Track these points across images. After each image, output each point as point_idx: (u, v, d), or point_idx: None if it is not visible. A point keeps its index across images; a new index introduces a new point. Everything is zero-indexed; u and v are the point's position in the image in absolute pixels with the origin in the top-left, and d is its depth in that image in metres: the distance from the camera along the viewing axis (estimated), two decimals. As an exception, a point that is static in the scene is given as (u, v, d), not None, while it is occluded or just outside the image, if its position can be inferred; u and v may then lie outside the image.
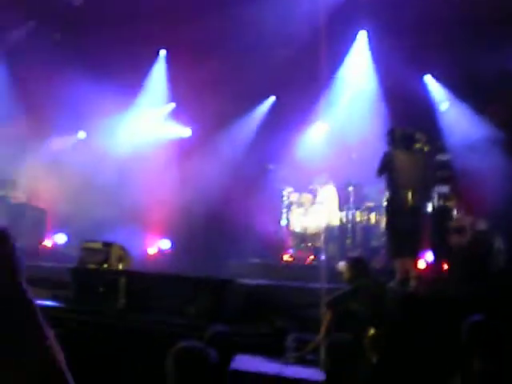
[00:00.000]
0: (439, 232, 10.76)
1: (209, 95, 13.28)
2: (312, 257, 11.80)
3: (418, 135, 9.14)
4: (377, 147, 10.16)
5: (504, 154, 11.19)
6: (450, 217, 10.83)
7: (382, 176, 9.03)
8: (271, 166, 13.36)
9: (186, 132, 15.10)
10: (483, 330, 4.46)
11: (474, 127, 12.06)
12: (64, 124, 13.97)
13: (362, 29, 13.39)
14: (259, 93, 14.21)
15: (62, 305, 8.86)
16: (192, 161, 13.97)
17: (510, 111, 11.14)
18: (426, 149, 9.16)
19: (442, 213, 10.96)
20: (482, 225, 10.78)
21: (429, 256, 10.52)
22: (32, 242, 12.57)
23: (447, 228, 10.47)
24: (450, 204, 11.14)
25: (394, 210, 8.95)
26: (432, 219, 10.87)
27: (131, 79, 13.89)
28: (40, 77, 13.05)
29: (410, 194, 8.83)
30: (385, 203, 9.47)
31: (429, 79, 13.20)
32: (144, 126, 14.77)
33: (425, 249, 10.11)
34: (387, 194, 9.13)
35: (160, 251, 13.65)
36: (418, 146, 9.04)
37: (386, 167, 8.89)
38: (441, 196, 11.52)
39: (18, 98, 13.65)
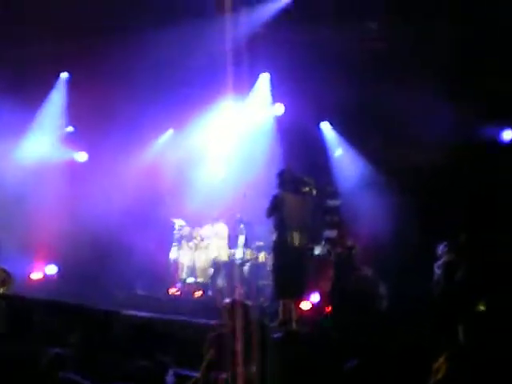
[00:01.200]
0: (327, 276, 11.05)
1: (109, 122, 13.19)
2: (199, 292, 11.82)
3: (306, 179, 9.38)
4: (269, 187, 10.40)
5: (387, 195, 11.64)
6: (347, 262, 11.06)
7: (271, 217, 9.18)
8: (166, 198, 13.36)
9: (82, 156, 14.87)
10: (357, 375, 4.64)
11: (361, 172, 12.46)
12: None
13: (265, 71, 13.63)
14: (158, 125, 14.21)
15: None
16: (86, 186, 13.79)
17: None
18: (313, 192, 9.40)
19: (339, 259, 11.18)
20: (367, 271, 11.15)
21: (314, 297, 10.73)
22: None
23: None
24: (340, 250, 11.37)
25: (280, 250, 9.11)
26: (322, 263, 11.14)
27: (30, 100, 13.60)
28: None
29: (296, 236, 9.02)
30: (272, 243, 9.63)
31: (325, 125, 13.54)
32: (39, 149, 14.40)
33: (311, 290, 10.31)
34: (275, 235, 9.28)
35: (45, 277, 13.30)
36: (306, 189, 9.27)
37: (275, 208, 9.06)
38: (328, 240, 11.82)
39: None
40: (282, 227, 9.07)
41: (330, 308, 10.62)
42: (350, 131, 12.88)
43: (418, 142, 11.51)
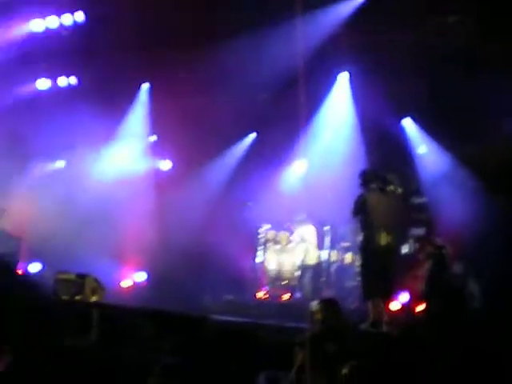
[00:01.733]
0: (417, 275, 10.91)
1: (191, 130, 13.37)
2: (287, 295, 11.82)
3: (389, 177, 9.23)
4: (353, 187, 10.31)
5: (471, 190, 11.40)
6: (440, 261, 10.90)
7: (357, 217, 9.10)
8: (250, 203, 13.43)
9: (166, 165, 15.13)
10: None
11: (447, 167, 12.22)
12: (45, 150, 13.88)
13: (344, 70, 13.56)
14: (240, 130, 14.33)
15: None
16: (171, 194, 14.01)
17: None
18: (398, 190, 9.26)
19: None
20: (457, 268, 10.93)
21: (403, 297, 10.60)
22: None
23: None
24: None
25: (368, 250, 9.01)
26: (410, 262, 11.00)
27: (115, 110, 13.91)
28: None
29: (383, 235, 8.90)
30: (359, 243, 9.54)
31: (407, 122, 13.36)
32: (125, 158, 14.73)
33: (399, 290, 10.19)
34: (361, 235, 9.19)
35: (135, 284, 13.56)
36: (390, 187, 9.13)
37: (360, 209, 8.98)
38: (417, 239, 11.64)
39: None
40: (367, 227, 8.97)
41: (421, 308, 10.46)
42: (433, 127, 12.66)
43: (500, 136, 11.22)
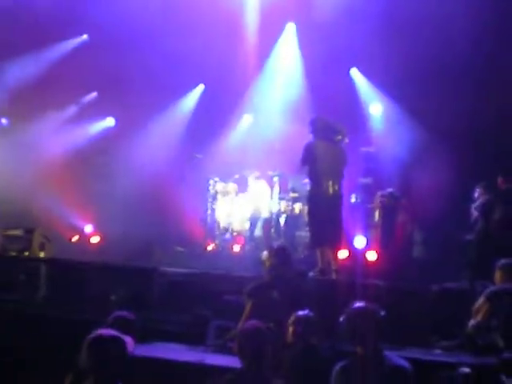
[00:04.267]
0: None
1: (134, 84, 13.15)
2: (237, 246, 11.86)
3: (338, 126, 9.26)
4: (301, 139, 10.30)
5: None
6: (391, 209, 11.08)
7: (305, 165, 9.12)
8: (199, 156, 13.37)
9: (109, 122, 14.92)
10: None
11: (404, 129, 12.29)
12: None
13: (290, 21, 13.46)
14: (187, 82, 14.15)
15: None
16: (119, 150, 13.86)
17: None
18: (346, 140, 9.30)
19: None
20: (403, 217, 11.14)
21: (359, 243, 10.75)
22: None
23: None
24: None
25: (315, 199, 9.06)
26: (359, 211, 11.13)
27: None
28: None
29: (330, 184, 8.95)
30: (306, 192, 9.58)
31: (355, 73, 13.36)
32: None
33: (348, 238, 10.32)
34: (309, 184, 9.23)
35: (84, 238, 13.45)
36: (338, 137, 9.16)
37: (309, 157, 8.99)
38: (364, 188, 11.76)
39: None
40: (315, 175, 9.00)
41: (373, 256, 10.64)
42: (384, 81, 12.64)
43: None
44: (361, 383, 4.52)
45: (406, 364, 4.63)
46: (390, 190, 11.15)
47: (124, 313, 5.69)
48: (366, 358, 4.62)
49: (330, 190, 8.91)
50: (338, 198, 9.07)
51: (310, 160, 9.00)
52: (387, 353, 4.66)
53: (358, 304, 4.80)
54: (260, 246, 11.07)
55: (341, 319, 4.79)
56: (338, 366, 4.69)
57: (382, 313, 4.75)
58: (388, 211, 11.02)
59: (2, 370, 7.13)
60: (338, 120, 9.57)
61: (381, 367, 4.57)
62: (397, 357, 4.73)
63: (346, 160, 9.25)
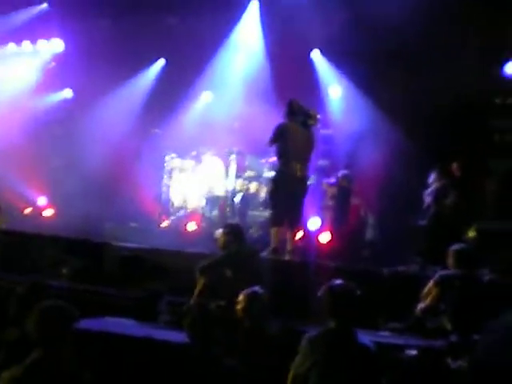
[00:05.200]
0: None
1: (93, 55, 12.96)
2: (191, 224, 11.83)
3: (312, 112, 9.34)
4: (260, 118, 10.29)
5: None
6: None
7: (274, 145, 9.15)
8: (156, 131, 13.27)
9: (66, 93, 14.70)
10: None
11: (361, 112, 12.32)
12: None
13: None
14: (147, 56, 14.00)
15: None
16: (75, 122, 13.69)
17: None
18: (317, 125, 9.40)
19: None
20: (356, 201, 11.27)
21: (314, 224, 10.82)
22: None
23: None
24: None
25: (281, 179, 9.08)
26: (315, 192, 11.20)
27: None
28: None
29: (298, 167, 9.00)
30: (272, 172, 9.58)
31: (316, 55, 13.36)
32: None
33: (303, 219, 10.38)
34: (277, 164, 9.25)
35: (37, 210, 13.30)
36: (311, 122, 9.23)
37: (279, 137, 9.02)
38: (322, 170, 11.83)
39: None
40: (284, 157, 9.03)
41: (326, 238, 10.74)
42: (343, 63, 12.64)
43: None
44: (326, 355, 4.57)
45: (371, 345, 4.72)
46: (344, 172, 11.26)
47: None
48: (337, 333, 4.68)
49: (298, 173, 8.96)
50: (304, 182, 9.14)
51: (280, 140, 9.03)
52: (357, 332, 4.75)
53: (338, 281, 4.88)
54: (214, 224, 11.05)
55: (319, 293, 4.85)
56: (307, 335, 4.75)
57: (359, 292, 4.83)
58: (342, 193, 11.13)
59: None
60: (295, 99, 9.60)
61: (349, 344, 4.65)
62: (365, 337, 4.81)
63: (315, 145, 9.32)
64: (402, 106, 11.43)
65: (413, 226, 10.12)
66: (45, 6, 13.69)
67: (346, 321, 4.71)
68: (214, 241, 8.05)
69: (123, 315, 6.84)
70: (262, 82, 12.81)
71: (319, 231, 10.94)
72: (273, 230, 9.10)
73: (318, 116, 9.52)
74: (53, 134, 13.83)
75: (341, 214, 11.16)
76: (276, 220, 9.14)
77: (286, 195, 8.99)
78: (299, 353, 4.69)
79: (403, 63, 11.57)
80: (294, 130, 9.09)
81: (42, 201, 13.44)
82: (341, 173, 11.31)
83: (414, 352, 5.51)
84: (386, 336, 6.36)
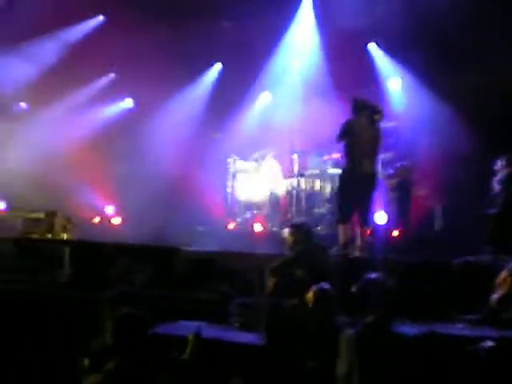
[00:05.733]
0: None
1: (151, 64, 13.12)
2: (258, 224, 11.87)
3: (378, 107, 9.30)
4: (319, 117, 10.25)
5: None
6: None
7: (342, 142, 9.14)
8: (217, 135, 13.36)
9: (127, 103, 14.94)
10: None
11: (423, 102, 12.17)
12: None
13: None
14: (204, 60, 14.12)
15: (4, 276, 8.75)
16: (137, 131, 13.88)
17: None
18: (382, 120, 9.34)
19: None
20: (422, 191, 11.14)
21: (381, 219, 10.76)
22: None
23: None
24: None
25: (350, 176, 9.04)
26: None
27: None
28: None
29: (367, 162, 8.96)
30: (336, 169, 9.52)
31: (373, 48, 13.26)
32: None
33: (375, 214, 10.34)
34: (346, 161, 9.22)
35: (105, 219, 13.53)
36: (376, 116, 9.17)
37: (346, 134, 8.99)
38: (385, 163, 11.71)
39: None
40: (352, 153, 9.00)
41: (394, 232, 10.67)
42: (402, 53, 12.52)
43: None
44: (368, 350, 4.54)
45: (412, 334, 4.69)
46: (403, 163, 11.15)
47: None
48: (375, 327, 4.64)
49: (367, 169, 8.93)
50: (373, 177, 9.09)
51: (347, 137, 9.01)
52: (399, 324, 4.71)
53: (370, 275, 4.85)
54: (281, 224, 11.07)
55: (353, 289, 4.84)
56: (346, 333, 4.73)
57: (392, 283, 4.80)
58: (402, 184, 11.03)
59: (25, 350, 7.22)
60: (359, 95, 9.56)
61: (388, 337, 4.60)
62: (408, 328, 4.77)
63: (382, 140, 9.27)
64: (463, 94, 11.24)
65: (481, 214, 9.93)
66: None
67: (381, 314, 4.67)
68: (281, 241, 8.05)
69: (195, 319, 6.91)
70: (320, 80, 12.81)
71: (387, 225, 10.86)
72: (340, 228, 9.07)
73: (383, 111, 9.47)
74: (116, 143, 14.04)
75: (404, 206, 11.06)
76: (343, 217, 9.09)
77: (355, 192, 8.95)
78: (340, 352, 4.67)
79: (464, 52, 11.38)
80: (361, 127, 9.04)
81: (109, 210, 13.67)
82: (399, 164, 11.20)
83: (490, 343, 5.41)
84: (461, 328, 6.26)
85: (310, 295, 5.78)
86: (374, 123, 9.17)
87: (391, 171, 11.31)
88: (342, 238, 8.94)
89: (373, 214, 10.26)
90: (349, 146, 9.07)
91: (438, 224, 11.09)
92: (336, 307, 5.78)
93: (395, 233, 10.73)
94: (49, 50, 13.33)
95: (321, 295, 5.75)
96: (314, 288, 5.80)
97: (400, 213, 11.08)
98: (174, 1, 12.75)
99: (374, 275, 4.88)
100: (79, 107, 14.11)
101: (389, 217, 10.91)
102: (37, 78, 13.17)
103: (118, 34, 12.78)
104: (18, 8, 12.36)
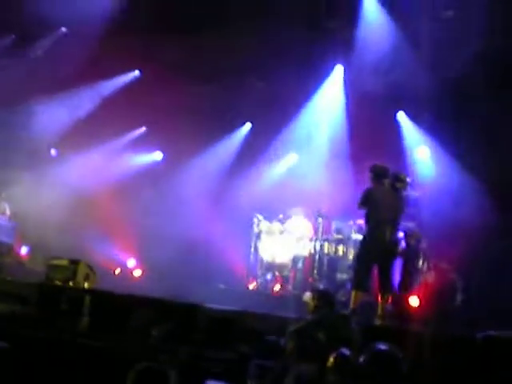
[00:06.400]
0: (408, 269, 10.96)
1: (182, 119, 13.31)
2: (278, 286, 11.83)
3: (400, 175, 9.35)
4: (345, 182, 10.29)
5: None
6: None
7: (362, 209, 9.16)
8: (243, 193, 13.44)
9: (156, 156, 15.11)
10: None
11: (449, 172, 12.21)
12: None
13: (339, 63, 13.55)
14: (235, 118, 14.31)
15: (22, 320, 8.76)
16: (164, 184, 14.00)
17: None
18: (407, 188, 9.36)
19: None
20: (444, 264, 11.05)
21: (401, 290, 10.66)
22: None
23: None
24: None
25: (370, 243, 9.04)
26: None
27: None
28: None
29: (387, 230, 8.96)
30: (360, 235, 9.52)
31: (402, 117, 13.35)
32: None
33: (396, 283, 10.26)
34: (366, 228, 9.23)
35: (127, 270, 13.55)
36: (399, 185, 9.21)
37: (366, 201, 9.02)
38: (408, 232, 11.66)
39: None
40: (373, 221, 9.02)
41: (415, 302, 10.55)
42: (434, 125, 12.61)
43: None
44: None
45: None
46: (413, 228, 11.07)
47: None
48: None
49: (387, 237, 8.92)
50: (394, 245, 9.08)
51: (367, 204, 9.04)
52: None
53: (378, 345, 4.80)
54: (302, 287, 11.03)
55: (361, 359, 4.79)
56: None
57: (401, 355, 4.74)
58: (409, 252, 10.94)
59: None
60: (384, 163, 9.61)
61: None
62: None
63: (404, 208, 9.28)
64: (491, 168, 11.26)
65: (505, 288, 9.85)
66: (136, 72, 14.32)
67: None
68: (303, 304, 8.02)
69: (213, 377, 6.84)
70: (347, 144, 12.91)
71: (407, 294, 10.75)
72: (353, 293, 9.06)
73: (408, 178, 9.51)
74: (143, 194, 14.17)
75: (407, 275, 10.91)
76: (358, 284, 9.07)
77: (375, 260, 8.94)
78: None
79: (492, 126, 11.45)
80: (381, 194, 9.08)
81: (131, 263, 13.70)
82: (409, 228, 11.16)
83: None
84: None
85: (330, 361, 5.72)
86: (395, 191, 9.19)
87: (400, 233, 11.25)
88: (352, 304, 8.93)
89: (394, 283, 10.21)
90: (369, 213, 9.10)
91: (459, 297, 10.96)
92: (356, 374, 5.71)
93: (415, 302, 10.57)
94: (85, 100, 13.60)
95: (341, 361, 5.69)
96: (334, 354, 5.75)
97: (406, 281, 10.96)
98: (209, 60, 12.99)
99: (382, 346, 4.82)
100: (109, 156, 14.31)
101: (411, 286, 10.79)
102: (70, 126, 13.40)
103: (152, 88, 13.04)
104: (58, 59, 12.64)
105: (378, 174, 9.20)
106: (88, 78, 13.39)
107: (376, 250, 8.93)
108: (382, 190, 9.11)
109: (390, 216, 9.06)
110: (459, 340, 7.73)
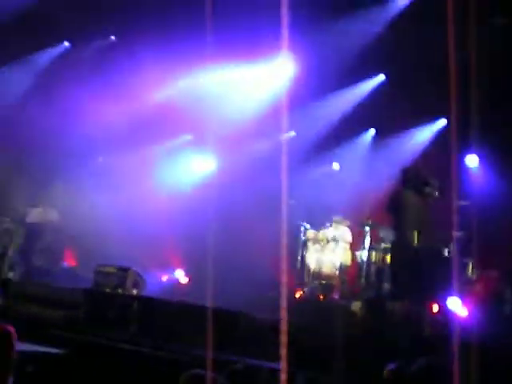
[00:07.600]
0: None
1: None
2: (324, 295, 11.79)
3: (430, 179, 9.20)
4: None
5: None
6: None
7: (390, 214, 9.09)
8: (292, 201, 13.42)
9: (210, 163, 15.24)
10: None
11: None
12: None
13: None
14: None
15: (72, 326, 8.91)
16: (213, 189, 14.08)
17: None
18: (436, 194, 9.22)
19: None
20: (493, 273, 10.90)
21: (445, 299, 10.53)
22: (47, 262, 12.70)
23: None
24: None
25: (398, 251, 8.96)
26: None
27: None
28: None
29: (415, 235, 8.85)
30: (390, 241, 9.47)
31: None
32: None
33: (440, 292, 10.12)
34: (393, 233, 9.14)
35: (174, 280, 13.66)
36: (428, 190, 9.09)
37: (394, 205, 8.94)
38: (458, 240, 11.52)
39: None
40: (400, 226, 8.92)
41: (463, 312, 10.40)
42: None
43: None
44: None
45: None
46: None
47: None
48: None
49: (415, 241, 8.80)
50: (426, 251, 8.96)
51: (393, 208, 8.95)
52: None
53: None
54: (349, 296, 10.98)
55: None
56: None
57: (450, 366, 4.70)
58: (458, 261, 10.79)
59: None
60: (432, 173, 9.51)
61: None
62: None
63: (430, 212, 9.15)
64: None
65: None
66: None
67: None
68: (350, 313, 7.99)
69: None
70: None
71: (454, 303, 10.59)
72: (399, 302, 8.93)
73: (437, 183, 9.32)
74: (194, 200, 14.26)
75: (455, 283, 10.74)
76: (394, 293, 8.97)
77: (405, 267, 8.81)
78: None
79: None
80: (408, 198, 8.95)
81: (179, 273, 13.80)
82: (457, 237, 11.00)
83: None
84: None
85: (385, 373, 5.71)
86: (423, 195, 9.06)
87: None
88: (399, 313, 8.81)
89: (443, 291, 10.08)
90: (397, 217, 8.99)
91: (507, 308, 10.78)
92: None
93: (464, 313, 10.44)
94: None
95: (393, 375, 5.67)
96: (386, 369, 5.73)
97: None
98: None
99: (433, 358, 4.79)
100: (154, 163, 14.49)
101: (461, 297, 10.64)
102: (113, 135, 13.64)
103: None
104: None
105: (407, 178, 9.11)
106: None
107: (404, 257, 8.81)
108: (407, 195, 8.99)
109: (417, 220, 8.93)
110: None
